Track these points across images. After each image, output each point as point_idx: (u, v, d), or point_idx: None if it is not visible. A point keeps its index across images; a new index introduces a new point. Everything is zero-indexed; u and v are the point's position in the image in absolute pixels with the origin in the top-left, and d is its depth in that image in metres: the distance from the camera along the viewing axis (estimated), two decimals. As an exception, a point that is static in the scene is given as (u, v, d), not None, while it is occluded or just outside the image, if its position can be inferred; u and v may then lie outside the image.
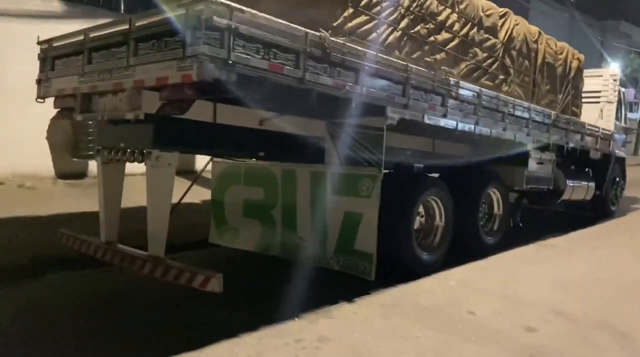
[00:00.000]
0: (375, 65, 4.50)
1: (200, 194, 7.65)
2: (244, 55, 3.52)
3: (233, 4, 3.42)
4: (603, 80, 9.84)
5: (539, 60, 7.14)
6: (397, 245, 5.20)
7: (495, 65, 6.23)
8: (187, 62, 3.37)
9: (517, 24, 6.62)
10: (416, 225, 5.48)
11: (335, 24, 4.29)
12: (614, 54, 32.75)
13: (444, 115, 5.38)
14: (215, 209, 6.41)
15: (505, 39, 6.37)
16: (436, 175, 6.32)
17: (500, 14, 6.31)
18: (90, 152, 8.15)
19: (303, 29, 3.90)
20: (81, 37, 4.36)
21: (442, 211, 5.73)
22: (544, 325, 4.16)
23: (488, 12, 6.07)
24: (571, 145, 8.08)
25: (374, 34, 4.63)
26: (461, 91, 5.53)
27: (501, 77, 6.37)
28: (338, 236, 5.14)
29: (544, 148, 7.47)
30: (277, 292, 4.65)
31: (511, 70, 6.52)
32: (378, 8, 4.64)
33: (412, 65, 4.89)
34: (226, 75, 3.41)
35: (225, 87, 3.49)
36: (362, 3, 4.51)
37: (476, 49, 5.89)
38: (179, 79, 3.43)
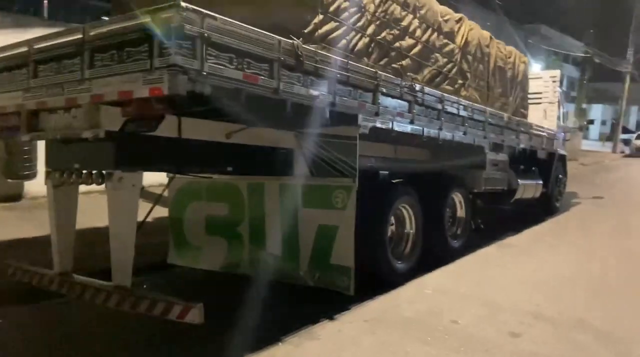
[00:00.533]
0: (346, 73, 4.36)
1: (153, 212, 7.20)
2: (218, 66, 3.26)
3: (204, 11, 3.16)
4: (544, 81, 10.24)
5: (492, 64, 7.28)
6: (373, 256, 5.08)
7: (454, 70, 6.26)
8: (155, 75, 3.08)
9: (472, 29, 6.70)
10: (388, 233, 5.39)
11: (306, 31, 4.11)
12: (536, 55, 34.64)
13: (411, 122, 5.32)
14: (173, 227, 6.03)
15: (462, 43, 6.43)
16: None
17: (456, 19, 6.36)
18: (27, 172, 7.51)
19: (276, 36, 3.69)
20: (25, 49, 3.93)
21: (412, 218, 5.67)
22: (527, 329, 4.16)
23: (446, 18, 6.09)
24: (522, 146, 8.30)
25: (344, 41, 4.49)
26: (426, 97, 5.49)
27: (460, 81, 6.41)
28: (312, 250, 4.94)
29: (497, 150, 7.61)
30: (252, 315, 4.39)
31: (468, 75, 6.59)
32: (346, 14, 4.50)
33: (380, 72, 4.79)
34: (200, 87, 3.14)
35: (197, 100, 3.23)
36: (331, 9, 4.35)
37: (437, 55, 5.89)
38: (146, 92, 3.13)
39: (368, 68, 4.68)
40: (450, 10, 6.24)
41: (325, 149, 4.78)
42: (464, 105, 6.34)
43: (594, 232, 8.65)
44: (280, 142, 4.96)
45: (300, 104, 3.94)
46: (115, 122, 3.56)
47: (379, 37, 4.94)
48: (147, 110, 3.24)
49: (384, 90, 4.83)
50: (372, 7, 4.84)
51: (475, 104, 6.65)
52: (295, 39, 3.86)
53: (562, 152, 10.75)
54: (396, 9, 5.17)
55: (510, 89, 7.90)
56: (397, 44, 5.18)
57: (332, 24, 4.36)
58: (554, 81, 10.23)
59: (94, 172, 3.79)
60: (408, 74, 5.32)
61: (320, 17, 4.21)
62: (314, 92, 4.03)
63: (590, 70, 36.01)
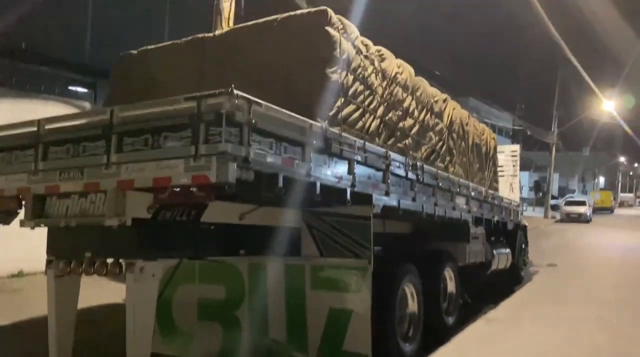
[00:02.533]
0: (365, 153, 4.37)
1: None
2: (261, 152, 3.17)
3: (251, 97, 3.10)
4: (505, 156, 10.79)
5: (470, 141, 7.59)
6: (381, 340, 4.88)
7: (444, 147, 6.46)
8: (201, 162, 2.93)
9: (454, 108, 7.01)
10: (393, 314, 5.24)
11: (331, 114, 4.11)
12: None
13: (414, 199, 5.36)
14: (161, 312, 5.58)
15: (448, 122, 6.68)
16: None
17: (443, 99, 6.64)
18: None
19: (308, 119, 3.66)
20: (33, 129, 3.67)
21: (415, 296, 5.58)
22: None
23: (435, 98, 6.34)
24: (496, 218, 8.55)
25: (360, 123, 4.53)
26: (425, 175, 5.59)
27: (448, 158, 6.60)
28: (322, 335, 4.70)
29: (477, 223, 7.79)
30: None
31: (454, 152, 6.81)
32: (361, 97, 4.57)
33: (390, 152, 4.84)
34: (245, 174, 3.02)
35: (240, 188, 3.09)
36: (350, 92, 4.41)
37: (431, 133, 6.07)
38: (188, 180, 2.96)
39: (380, 148, 4.72)
40: (438, 91, 6.52)
41: (337, 228, 4.68)
42: (453, 181, 6.50)
43: (567, 302, 8.86)
44: (289, 221, 4.82)
45: (326, 185, 3.88)
46: (140, 209, 3.33)
47: (387, 118, 5.03)
48: (187, 198, 3.06)
49: (393, 169, 4.87)
50: (380, 90, 4.96)
51: (462, 180, 6.84)
52: (323, 122, 3.85)
53: (523, 222, 11.19)
54: (399, 91, 5.32)
55: (485, 164, 8.24)
56: (400, 124, 5.30)
57: (351, 107, 4.41)
58: (513, 155, 10.81)
59: (109, 260, 3.48)
60: (410, 152, 5.41)
61: (342, 99, 4.24)
62: (339, 173, 3.99)
63: (521, 141, 38.55)
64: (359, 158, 4.27)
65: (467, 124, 7.53)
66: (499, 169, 10.50)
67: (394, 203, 4.95)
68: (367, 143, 4.45)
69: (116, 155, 3.26)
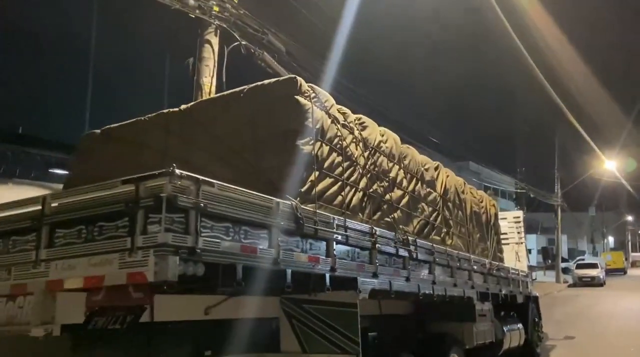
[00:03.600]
0: (345, 232, 3.88)
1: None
2: (213, 240, 2.68)
3: (200, 177, 2.66)
4: (508, 222, 10.24)
5: (468, 210, 7.11)
6: None
7: (438, 219, 5.97)
8: (137, 256, 2.45)
9: (448, 176, 6.59)
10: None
11: (303, 190, 3.66)
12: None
13: (407, 279, 4.80)
14: None
15: (442, 191, 6.24)
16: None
17: (434, 166, 6.23)
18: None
19: (275, 198, 3.20)
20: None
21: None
22: None
23: (426, 166, 5.94)
24: (504, 292, 7.89)
25: (340, 197, 4.07)
26: (419, 250, 5.06)
27: (444, 230, 6.10)
28: None
29: (483, 298, 7.14)
30: None
31: (451, 222, 6.31)
32: (340, 169, 4.15)
33: (376, 228, 4.35)
34: (192, 269, 2.52)
35: (187, 283, 2.58)
36: (326, 165, 3.99)
37: (423, 204, 5.61)
38: (122, 279, 2.46)
39: (365, 225, 4.24)
40: (428, 159, 6.13)
41: (320, 318, 4.09)
42: (452, 255, 5.96)
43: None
44: (264, 312, 4.24)
45: (299, 272, 3.36)
46: (75, 314, 2.80)
47: (371, 190, 4.59)
48: (122, 300, 2.54)
49: (381, 247, 4.36)
50: (362, 160, 4.55)
51: (462, 253, 6.30)
52: (292, 199, 3.40)
53: (534, 293, 10.45)
54: (384, 161, 4.92)
55: (487, 233, 7.70)
56: (387, 197, 4.84)
57: (327, 181, 3.97)
58: (517, 221, 10.27)
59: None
60: (400, 226, 4.92)
61: (316, 173, 3.81)
62: (313, 257, 3.48)
63: (525, 204, 38.01)
64: (339, 237, 3.78)
65: (463, 192, 7.08)
66: (502, 237, 9.94)
67: (385, 286, 4.39)
68: (348, 219, 3.98)
69: (46, 250, 2.78)
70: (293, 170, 3.66)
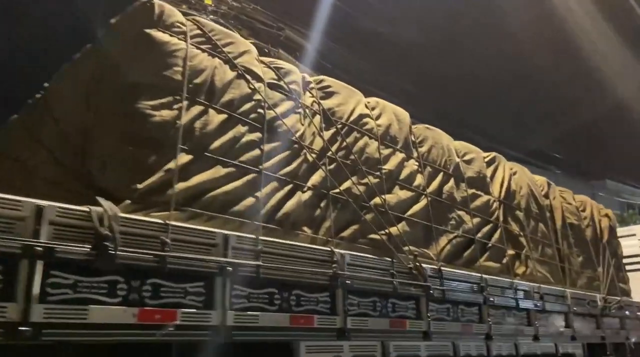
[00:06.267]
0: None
1: None
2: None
3: None
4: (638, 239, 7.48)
5: (558, 222, 4.85)
6: None
7: (496, 235, 3.89)
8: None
9: (515, 173, 4.48)
10: None
11: (146, 185, 2.03)
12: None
13: (426, 336, 2.89)
14: None
15: (502, 194, 4.16)
16: None
17: (484, 157, 4.21)
18: None
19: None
20: None
21: None
22: None
23: (467, 157, 3.95)
24: (633, 339, 5.35)
25: (250, 199, 2.36)
26: (446, 284, 3.13)
27: (510, 252, 3.99)
28: None
29: (595, 355, 4.78)
30: None
31: (523, 241, 4.17)
32: (254, 153, 2.45)
33: (339, 251, 2.55)
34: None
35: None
36: (215, 144, 2.32)
37: (459, 213, 3.62)
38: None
39: (301, 245, 2.46)
40: (473, 147, 4.14)
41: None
42: (525, 290, 3.85)
43: None
44: None
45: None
46: None
47: (337, 190, 2.79)
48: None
49: (357, 283, 2.53)
50: (318, 143, 2.81)
51: (544, 286, 4.11)
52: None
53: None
54: (370, 145, 3.11)
55: (597, 256, 5.29)
56: (377, 200, 2.99)
57: (218, 170, 2.29)
58: (653, 238, 7.46)
59: None
60: (408, 248, 3.02)
61: (188, 157, 2.17)
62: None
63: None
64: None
65: (546, 196, 4.87)
66: (633, 259, 7.23)
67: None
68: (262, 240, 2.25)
69: None
70: (136, 154, 2.07)
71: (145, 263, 1.86)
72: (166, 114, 2.16)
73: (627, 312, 5.36)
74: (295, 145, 2.64)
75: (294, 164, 2.59)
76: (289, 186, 2.53)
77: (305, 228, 2.56)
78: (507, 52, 12.67)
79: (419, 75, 11.52)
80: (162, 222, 1.95)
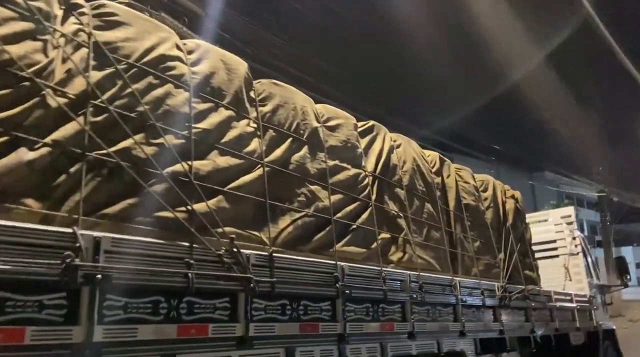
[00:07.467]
0: None
1: None
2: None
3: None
4: (554, 225, 7.13)
5: (452, 203, 4.29)
6: None
7: (365, 214, 3.25)
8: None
9: (399, 146, 3.86)
10: None
11: None
12: (547, 201, 31.89)
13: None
14: None
15: (379, 169, 3.53)
16: None
17: (363, 128, 3.56)
18: None
19: None
20: None
21: None
22: None
23: (332, 123, 3.29)
24: (539, 332, 4.90)
25: None
26: (282, 277, 2.45)
27: (383, 236, 3.37)
28: None
29: (499, 350, 4.27)
30: None
31: (402, 223, 3.56)
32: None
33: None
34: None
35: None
36: None
37: (312, 188, 2.95)
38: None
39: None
40: (334, 109, 3.47)
41: None
42: (399, 280, 3.24)
43: None
44: None
45: None
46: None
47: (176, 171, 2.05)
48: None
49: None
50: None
51: (426, 274, 3.51)
52: None
53: (608, 325, 7.15)
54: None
55: (498, 241, 4.78)
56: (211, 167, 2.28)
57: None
58: (568, 223, 7.13)
59: None
60: (220, 230, 2.32)
61: None
62: None
63: (611, 211, 32.89)
64: None
65: (438, 173, 4.29)
66: (545, 246, 6.90)
67: None
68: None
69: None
70: None
71: None
72: None
73: (532, 303, 4.90)
74: (26, 83, 1.87)
75: (17, 109, 1.82)
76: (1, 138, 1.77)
77: (29, 201, 1.80)
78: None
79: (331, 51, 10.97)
80: None
